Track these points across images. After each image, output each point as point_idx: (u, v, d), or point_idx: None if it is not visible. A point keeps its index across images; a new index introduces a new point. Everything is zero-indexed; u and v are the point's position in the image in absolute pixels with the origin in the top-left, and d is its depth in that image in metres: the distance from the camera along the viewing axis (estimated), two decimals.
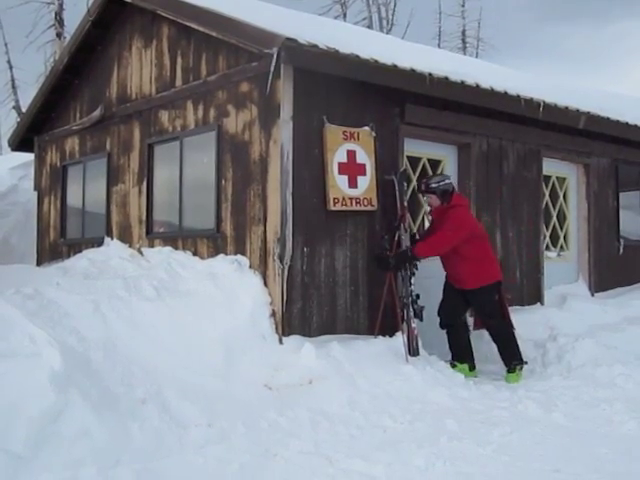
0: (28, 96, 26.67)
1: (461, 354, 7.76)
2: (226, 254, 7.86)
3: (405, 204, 7.84)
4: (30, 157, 13.42)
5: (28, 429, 4.66)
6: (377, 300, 7.63)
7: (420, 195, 8.30)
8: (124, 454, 4.90)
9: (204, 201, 8.28)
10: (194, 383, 6.22)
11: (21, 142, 12.74)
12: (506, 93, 9.08)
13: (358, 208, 7.65)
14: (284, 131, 7.22)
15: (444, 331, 7.86)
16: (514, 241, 9.83)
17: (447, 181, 7.76)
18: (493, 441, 5.34)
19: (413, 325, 7.29)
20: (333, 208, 7.45)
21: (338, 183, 7.48)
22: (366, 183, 7.71)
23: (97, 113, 10.39)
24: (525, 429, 5.67)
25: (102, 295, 7.06)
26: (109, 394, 5.55)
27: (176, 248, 8.60)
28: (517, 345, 7.74)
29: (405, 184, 8.01)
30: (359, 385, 6.51)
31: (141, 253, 9.10)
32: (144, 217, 9.39)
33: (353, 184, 7.59)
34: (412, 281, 7.46)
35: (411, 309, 7.36)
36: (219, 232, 8.01)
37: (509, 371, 7.63)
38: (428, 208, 8.16)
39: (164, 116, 9.13)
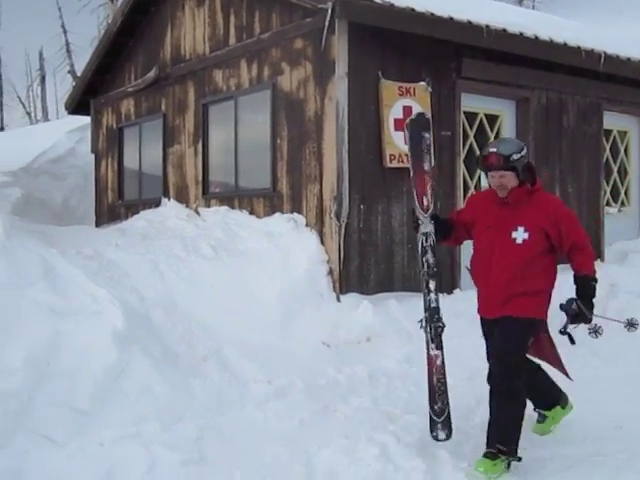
0: (82, 60, 26.96)
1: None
2: (282, 212, 7.87)
3: (427, 166, 4.62)
4: (86, 120, 13.60)
5: (93, 386, 4.78)
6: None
7: (483, 172, 4.61)
8: (186, 410, 4.98)
9: (259, 160, 8.28)
10: (253, 341, 6.27)
11: (77, 105, 12.89)
12: (566, 44, 8.79)
13: None
14: (339, 88, 7.13)
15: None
16: (574, 197, 9.59)
17: (525, 150, 4.44)
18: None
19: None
20: (389, 165, 7.38)
21: (394, 140, 7.39)
22: None
23: (152, 74, 10.42)
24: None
25: (161, 255, 7.14)
26: (170, 352, 5.63)
27: (232, 207, 8.64)
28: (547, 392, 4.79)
29: (427, 136, 4.64)
30: (416, 342, 6.48)
31: (198, 213, 9.17)
32: (200, 177, 9.44)
33: None
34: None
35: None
36: (275, 191, 8.01)
37: (539, 419, 4.85)
38: (486, 186, 4.94)
39: (218, 75, 9.11)
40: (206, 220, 8.68)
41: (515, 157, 4.28)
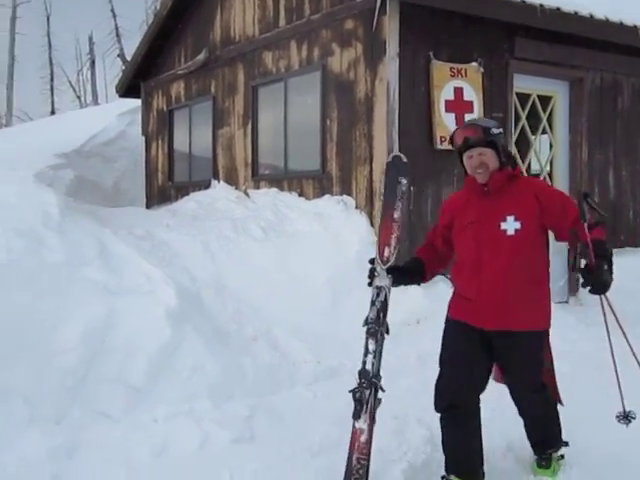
0: (131, 44, 27.29)
1: (463, 462, 3.82)
2: (332, 194, 7.87)
3: (397, 214, 3.98)
4: (136, 103, 13.76)
5: (146, 363, 4.86)
6: None
7: (459, 153, 3.74)
8: (237, 388, 5.04)
9: (309, 142, 8.28)
10: (302, 322, 6.30)
11: (128, 89, 13.04)
12: (622, 24, 8.56)
13: None
14: (390, 68, 7.08)
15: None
16: (628, 180, 9.38)
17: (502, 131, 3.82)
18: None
19: None
20: (440, 147, 7.32)
21: (445, 121, 7.33)
22: None
23: (201, 57, 10.48)
24: None
25: (211, 236, 7.20)
26: (220, 331, 5.70)
27: (282, 189, 8.67)
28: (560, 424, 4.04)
29: (404, 182, 4.04)
30: None
31: (247, 195, 9.23)
32: (249, 159, 9.48)
33: (460, 122, 7.38)
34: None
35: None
36: (324, 173, 8.01)
37: (543, 463, 4.04)
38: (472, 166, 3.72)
39: (268, 57, 9.11)
40: (255, 202, 8.73)
41: (495, 131, 3.66)
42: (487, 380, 3.80)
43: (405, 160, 4.08)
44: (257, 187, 9.27)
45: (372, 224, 7.30)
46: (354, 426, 3.69)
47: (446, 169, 7.50)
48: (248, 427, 4.59)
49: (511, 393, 3.83)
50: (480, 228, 3.65)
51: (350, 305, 6.70)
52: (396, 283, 3.92)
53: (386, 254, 3.91)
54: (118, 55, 37.01)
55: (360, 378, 3.73)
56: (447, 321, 3.90)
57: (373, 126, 7.33)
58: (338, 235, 7.27)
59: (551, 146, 8.88)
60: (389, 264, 3.88)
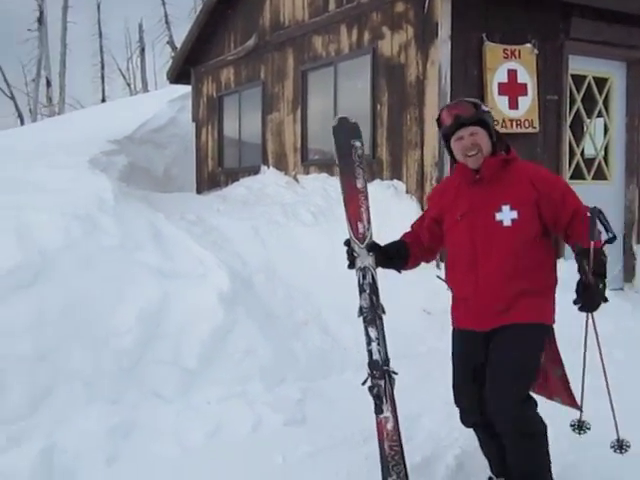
0: (180, 31, 27.47)
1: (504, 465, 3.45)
2: (382, 179, 7.83)
3: (360, 183, 3.60)
4: (186, 90, 13.86)
5: (200, 346, 4.91)
6: None
7: (445, 137, 3.41)
8: (289, 372, 5.08)
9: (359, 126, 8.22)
10: (352, 307, 6.26)
11: (178, 75, 13.14)
12: None
13: (518, 130, 7.35)
14: (442, 51, 7.00)
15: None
16: None
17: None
18: None
19: None
20: None
21: (498, 104, 7.21)
22: (527, 104, 7.39)
23: (251, 42, 10.50)
24: None
25: (261, 221, 7.23)
26: (272, 315, 5.73)
27: (331, 175, 8.65)
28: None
29: (358, 144, 3.68)
30: None
31: (297, 180, 9.24)
32: (299, 145, 9.49)
33: (514, 105, 7.29)
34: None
35: None
36: (375, 157, 7.97)
37: None
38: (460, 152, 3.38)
39: (317, 42, 9.08)
40: (305, 187, 8.74)
41: (484, 108, 3.34)
42: None
43: (354, 121, 3.69)
44: (307, 172, 9.28)
45: (422, 209, 7.23)
46: (378, 416, 3.49)
47: None
48: (300, 410, 4.62)
49: (487, 403, 3.26)
50: (473, 220, 3.29)
51: (402, 289, 6.65)
52: (377, 264, 3.53)
53: (360, 230, 3.51)
54: (167, 42, 37.29)
55: (371, 370, 3.48)
56: (452, 330, 3.54)
57: (424, 110, 7.26)
58: (388, 220, 7.22)
59: (606, 130, 8.69)
60: (367, 241, 3.50)
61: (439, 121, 3.38)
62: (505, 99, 7.24)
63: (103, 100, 36.98)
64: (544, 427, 3.24)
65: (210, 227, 6.96)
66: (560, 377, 3.42)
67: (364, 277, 3.50)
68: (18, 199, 5.48)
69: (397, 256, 3.57)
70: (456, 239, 3.38)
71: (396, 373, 3.52)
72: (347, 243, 3.54)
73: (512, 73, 7.29)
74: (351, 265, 3.53)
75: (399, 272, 3.68)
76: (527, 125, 7.40)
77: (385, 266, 3.58)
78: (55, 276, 4.75)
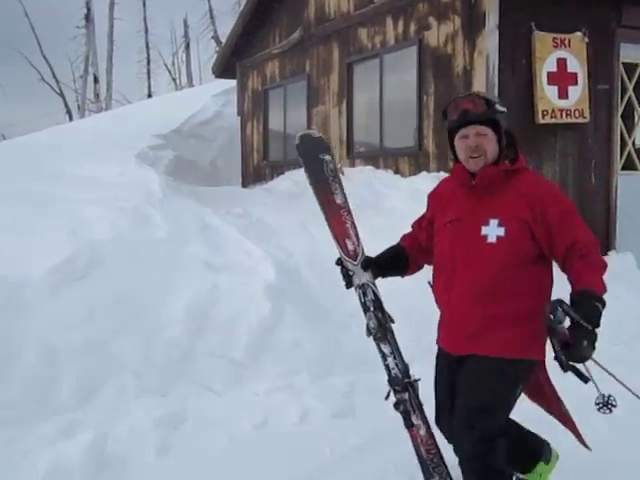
0: (225, 25, 27.60)
1: (526, 456, 3.29)
2: (428, 171, 7.77)
3: (339, 198, 3.32)
4: (231, 84, 13.91)
5: (247, 338, 4.94)
6: (590, 217, 7.22)
7: (449, 134, 3.05)
8: (335, 364, 5.06)
9: (405, 118, 8.19)
10: (399, 300, 6.17)
11: (224, 69, 13.20)
12: None
13: (568, 120, 7.23)
14: (490, 41, 6.92)
15: None
16: None
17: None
18: None
19: None
20: (542, 121, 7.11)
21: (547, 94, 7.10)
22: (577, 93, 7.26)
23: (296, 35, 10.50)
24: None
25: (307, 214, 7.21)
26: (318, 308, 5.72)
27: (377, 167, 8.62)
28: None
29: (328, 158, 3.33)
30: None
31: (342, 173, 9.20)
32: (344, 137, 9.47)
33: (563, 95, 7.17)
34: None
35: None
36: (421, 149, 7.92)
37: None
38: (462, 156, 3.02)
39: (363, 34, 9.04)
40: (351, 179, 8.70)
41: (499, 108, 2.93)
42: None
43: (318, 134, 3.35)
44: (352, 165, 9.25)
45: None
46: (407, 428, 3.28)
47: (547, 144, 7.29)
48: (347, 403, 4.60)
49: (460, 422, 2.93)
50: (459, 229, 2.96)
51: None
52: (376, 276, 3.29)
53: (350, 248, 3.27)
54: (212, 37, 37.50)
55: (392, 386, 3.28)
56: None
57: None
58: None
59: None
60: (360, 257, 3.25)
61: (445, 112, 3.01)
62: (555, 89, 7.12)
63: (149, 95, 37.35)
64: (509, 472, 2.97)
65: (257, 220, 7.00)
66: (558, 405, 3.14)
67: (365, 294, 3.28)
68: (68, 194, 5.57)
69: (395, 266, 3.33)
70: (440, 246, 3.08)
71: (418, 379, 3.31)
72: (339, 263, 3.30)
73: (562, 62, 7.17)
74: (349, 285, 3.29)
75: (402, 277, 3.43)
76: (577, 115, 7.27)
77: (385, 276, 3.35)
78: (105, 269, 4.83)
